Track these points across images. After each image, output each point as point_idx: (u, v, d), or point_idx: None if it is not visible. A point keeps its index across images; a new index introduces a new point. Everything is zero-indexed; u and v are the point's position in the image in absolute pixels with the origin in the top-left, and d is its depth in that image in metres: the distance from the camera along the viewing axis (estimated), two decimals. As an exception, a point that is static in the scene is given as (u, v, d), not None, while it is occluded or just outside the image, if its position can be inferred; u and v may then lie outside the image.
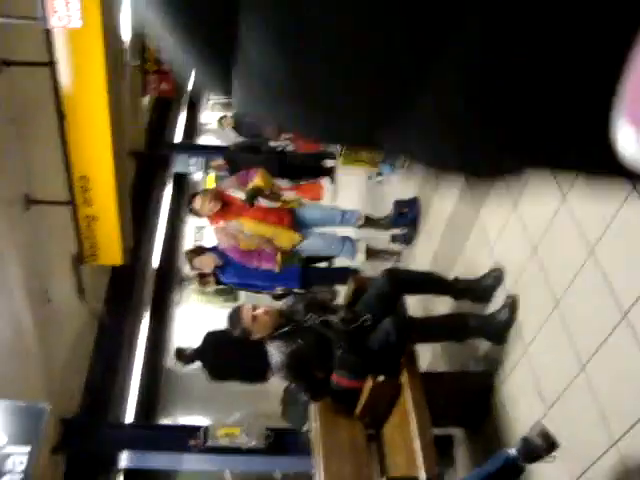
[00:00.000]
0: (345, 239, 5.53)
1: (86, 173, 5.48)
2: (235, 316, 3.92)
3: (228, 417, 7.65)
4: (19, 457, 3.73)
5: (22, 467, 3.72)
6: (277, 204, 5.43)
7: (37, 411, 3.98)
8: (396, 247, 5.60)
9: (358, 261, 5.52)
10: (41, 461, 4.49)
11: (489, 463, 2.73)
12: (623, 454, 2.65)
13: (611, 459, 2.71)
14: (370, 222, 5.58)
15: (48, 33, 4.83)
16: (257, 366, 5.39)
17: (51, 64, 5.01)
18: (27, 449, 3.78)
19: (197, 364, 5.92)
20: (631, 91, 0.50)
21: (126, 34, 8.39)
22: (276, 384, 6.73)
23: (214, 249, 5.56)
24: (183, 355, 6.12)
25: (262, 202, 5.39)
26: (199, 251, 5.56)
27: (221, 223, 5.38)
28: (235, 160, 7.54)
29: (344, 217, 5.49)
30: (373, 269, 6.11)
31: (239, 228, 5.27)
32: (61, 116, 5.22)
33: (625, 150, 0.50)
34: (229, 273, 5.48)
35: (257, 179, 5.37)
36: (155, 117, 10.92)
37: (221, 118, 9.54)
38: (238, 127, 8.97)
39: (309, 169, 8.01)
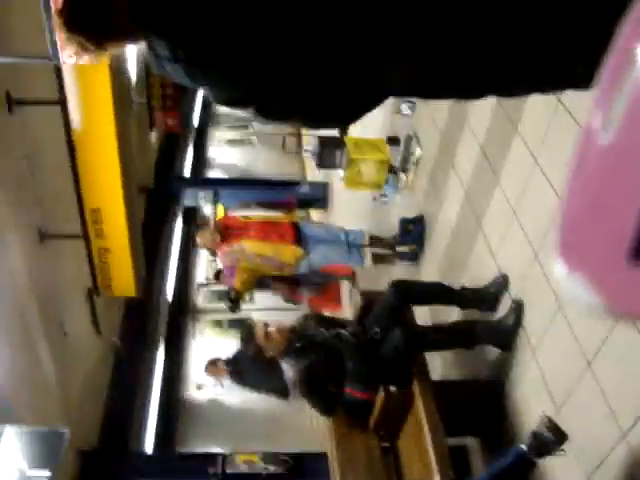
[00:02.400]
0: (352, 248, 5.62)
1: (97, 205, 5.62)
2: (248, 334, 4.00)
3: (246, 445, 7.64)
4: (40, 481, 3.80)
5: (43, 491, 3.79)
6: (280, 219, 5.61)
7: (56, 436, 4.06)
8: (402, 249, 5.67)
9: (366, 266, 5.65)
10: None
11: (501, 460, 2.78)
12: (633, 446, 2.69)
13: (622, 452, 2.75)
14: (375, 241, 5.67)
15: (58, 71, 5.01)
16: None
17: (61, 102, 5.18)
18: (47, 474, 3.85)
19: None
20: (564, 231, 0.54)
21: (132, 71, 8.62)
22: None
23: (228, 361, 5.65)
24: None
25: (265, 215, 5.58)
26: (214, 362, 5.68)
27: (225, 248, 5.50)
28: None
29: (348, 238, 5.60)
30: (379, 273, 6.19)
31: (241, 249, 5.40)
32: (72, 151, 5.38)
33: (561, 281, 0.53)
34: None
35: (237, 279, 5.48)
36: (163, 152, 11.14)
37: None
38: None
39: None
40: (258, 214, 5.68)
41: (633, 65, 0.48)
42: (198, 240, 5.58)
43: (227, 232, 5.48)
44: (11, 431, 4.01)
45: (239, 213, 5.78)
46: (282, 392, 5.60)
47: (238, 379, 5.67)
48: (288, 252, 5.45)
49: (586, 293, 0.50)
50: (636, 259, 0.49)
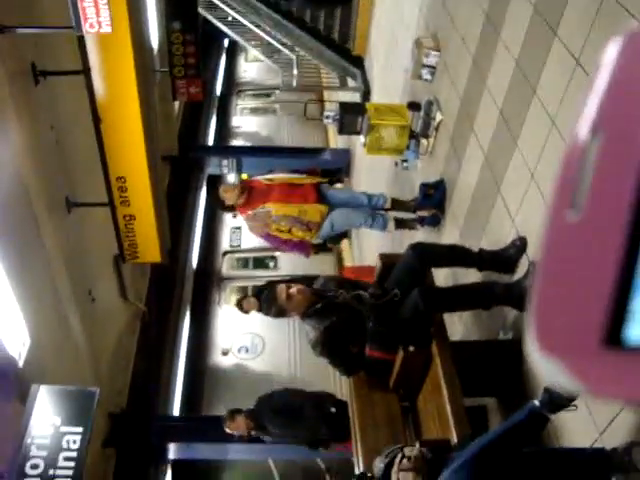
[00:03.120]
0: (375, 213, 5.61)
1: (123, 174, 5.73)
2: (270, 296, 4.08)
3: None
4: (73, 437, 3.97)
5: (76, 446, 3.96)
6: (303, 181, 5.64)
7: (87, 395, 4.22)
8: (423, 213, 5.69)
9: (389, 231, 5.70)
10: (91, 454, 4.72)
11: (514, 415, 2.84)
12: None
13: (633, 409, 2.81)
14: (397, 204, 5.70)
15: (81, 42, 5.09)
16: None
17: (85, 71, 5.26)
18: (79, 430, 4.02)
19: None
20: (537, 317, 0.55)
21: (154, 41, 8.67)
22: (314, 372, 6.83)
23: (250, 411, 5.85)
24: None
25: (287, 177, 5.60)
26: (233, 416, 5.84)
27: (249, 212, 5.48)
28: None
29: (371, 201, 5.62)
30: (402, 239, 6.25)
31: (267, 213, 5.38)
32: (97, 120, 5.47)
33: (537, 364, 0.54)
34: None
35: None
36: (187, 121, 11.22)
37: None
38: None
39: None
40: (280, 176, 5.65)
41: (594, 141, 0.50)
42: (221, 192, 5.42)
43: (250, 194, 5.44)
44: (45, 390, 4.19)
45: (261, 177, 5.74)
46: (308, 442, 5.87)
47: (262, 433, 5.88)
48: (312, 210, 5.40)
49: (561, 375, 0.52)
50: (608, 344, 0.48)
